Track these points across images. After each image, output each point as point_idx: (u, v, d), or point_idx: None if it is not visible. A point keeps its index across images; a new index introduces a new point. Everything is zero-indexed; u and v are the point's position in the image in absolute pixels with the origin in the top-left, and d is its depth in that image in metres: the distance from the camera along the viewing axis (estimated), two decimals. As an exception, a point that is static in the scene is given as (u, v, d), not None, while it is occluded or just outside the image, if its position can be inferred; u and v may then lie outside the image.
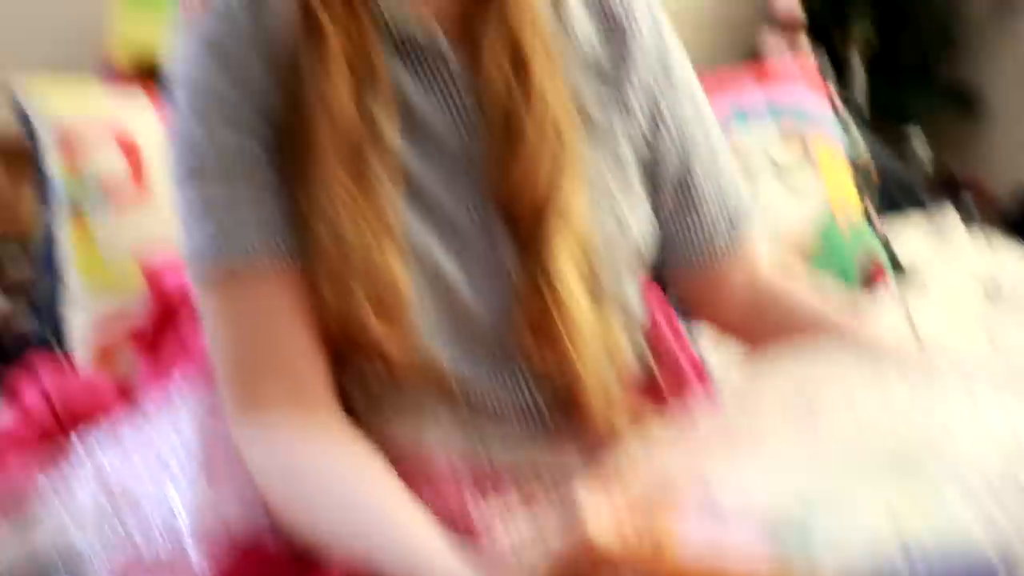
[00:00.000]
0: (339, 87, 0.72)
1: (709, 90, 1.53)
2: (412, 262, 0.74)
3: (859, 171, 1.58)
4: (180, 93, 0.76)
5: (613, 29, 0.82)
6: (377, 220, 0.73)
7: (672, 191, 0.85)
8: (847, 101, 1.93)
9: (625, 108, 0.82)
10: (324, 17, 0.73)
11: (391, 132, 0.75)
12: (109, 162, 1.26)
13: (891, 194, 1.76)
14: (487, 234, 0.77)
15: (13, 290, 1.78)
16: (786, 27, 2.13)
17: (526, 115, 0.75)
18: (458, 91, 0.78)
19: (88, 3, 1.83)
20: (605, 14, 0.83)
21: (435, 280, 0.75)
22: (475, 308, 0.77)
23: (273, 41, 0.74)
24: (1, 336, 1.73)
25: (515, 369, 0.77)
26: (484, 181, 0.77)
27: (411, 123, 0.76)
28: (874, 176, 1.74)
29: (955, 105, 2.58)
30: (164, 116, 1.30)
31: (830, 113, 1.56)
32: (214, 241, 0.74)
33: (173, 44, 0.78)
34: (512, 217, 0.77)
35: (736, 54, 2.28)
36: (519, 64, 0.76)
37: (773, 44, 2.13)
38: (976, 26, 2.56)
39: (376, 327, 0.72)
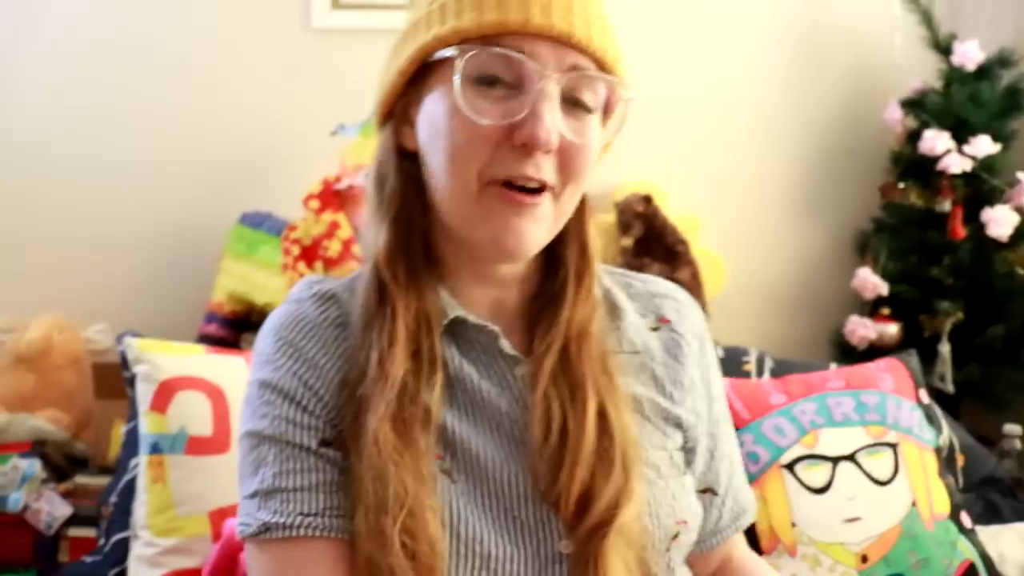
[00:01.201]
0: (398, 355, 0.78)
1: (798, 389, 1.50)
2: (455, 534, 0.75)
3: (947, 466, 1.53)
4: (254, 362, 0.83)
5: (664, 329, 0.90)
6: (419, 476, 0.75)
7: (696, 478, 0.90)
8: (934, 391, 1.89)
9: (673, 400, 0.88)
10: (396, 292, 0.80)
11: (435, 401, 0.78)
12: (194, 414, 1.30)
13: (990, 501, 1.70)
14: (539, 514, 0.78)
15: (76, 494, 1.79)
16: (872, 312, 2.14)
17: (579, 427, 0.78)
18: (513, 376, 0.82)
19: (200, 269, 2.11)
20: (656, 316, 0.91)
21: (477, 556, 0.76)
22: None
23: (339, 333, 0.82)
24: (57, 540, 1.74)
25: None
26: (537, 474, 0.79)
27: (465, 398, 0.81)
28: (959, 461, 1.68)
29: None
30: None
31: (916, 406, 1.53)
32: (261, 503, 0.77)
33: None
34: (564, 516, 0.78)
35: (822, 339, 2.30)
36: (569, 367, 0.81)
37: (859, 328, 2.13)
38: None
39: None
